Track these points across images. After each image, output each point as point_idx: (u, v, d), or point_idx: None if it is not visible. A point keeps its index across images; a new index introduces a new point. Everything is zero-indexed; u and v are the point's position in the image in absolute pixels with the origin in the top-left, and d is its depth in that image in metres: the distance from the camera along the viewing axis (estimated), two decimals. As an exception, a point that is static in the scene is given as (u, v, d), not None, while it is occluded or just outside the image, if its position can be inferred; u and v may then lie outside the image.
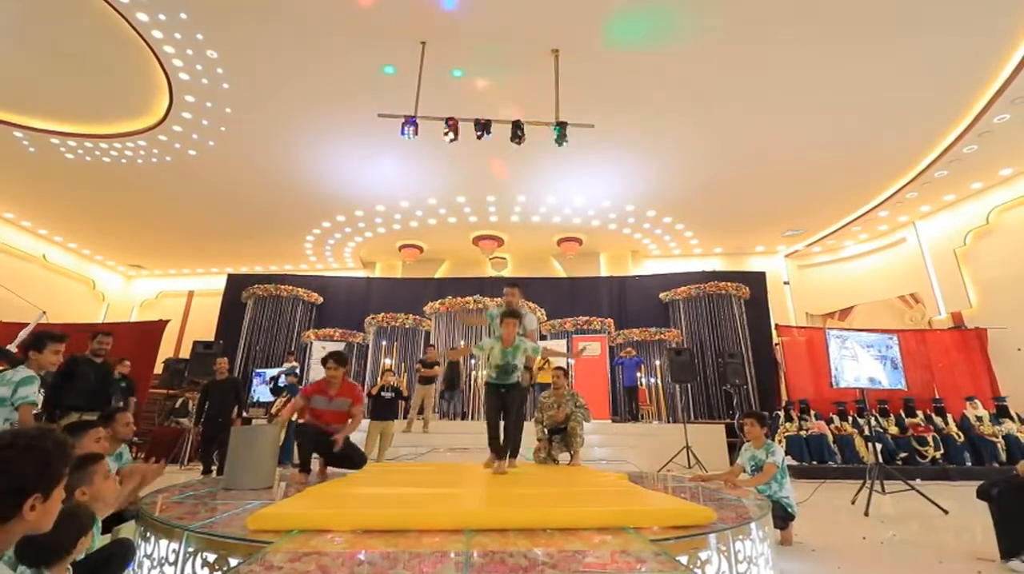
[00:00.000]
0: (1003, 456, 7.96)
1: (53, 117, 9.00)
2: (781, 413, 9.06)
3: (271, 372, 10.52)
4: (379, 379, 7.99)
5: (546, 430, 5.31)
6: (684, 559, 2.03)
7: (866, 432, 7.56)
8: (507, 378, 4.18)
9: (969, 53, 7.09)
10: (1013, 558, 3.07)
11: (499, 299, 12.14)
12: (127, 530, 2.57)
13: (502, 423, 4.20)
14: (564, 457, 5.32)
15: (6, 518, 1.21)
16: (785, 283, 14.42)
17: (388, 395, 7.24)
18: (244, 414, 7.46)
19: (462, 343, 11.78)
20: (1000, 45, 6.95)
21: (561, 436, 5.26)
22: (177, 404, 10.35)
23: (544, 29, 6.77)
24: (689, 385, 11.11)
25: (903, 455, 8.08)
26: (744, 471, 3.98)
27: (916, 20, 6.53)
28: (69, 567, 1.75)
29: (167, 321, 11.80)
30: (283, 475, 4.94)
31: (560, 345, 11.69)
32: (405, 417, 9.10)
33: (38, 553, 1.62)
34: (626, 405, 11.00)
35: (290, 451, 7.81)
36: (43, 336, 3.47)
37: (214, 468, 6.67)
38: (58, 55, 7.47)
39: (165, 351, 12.29)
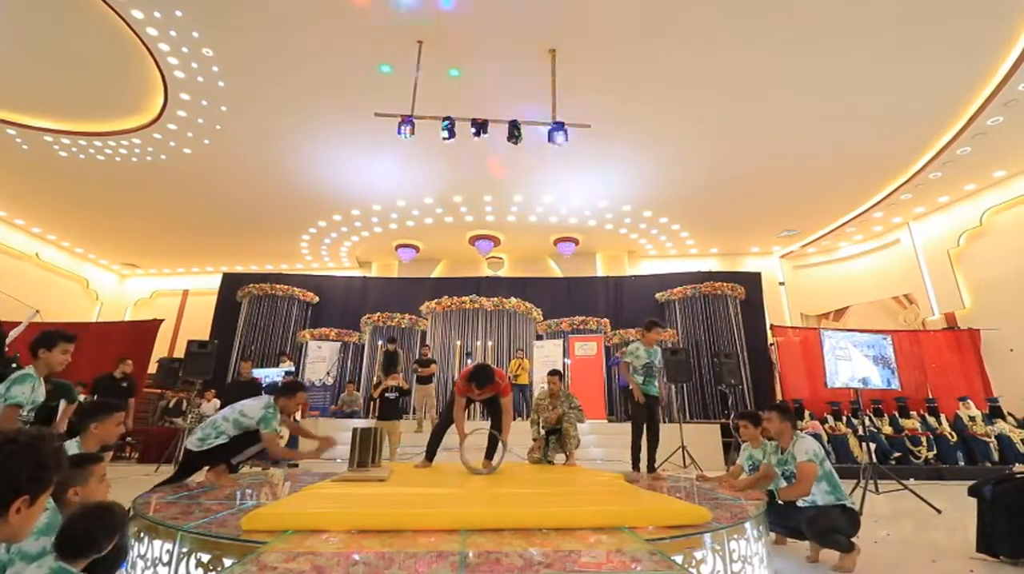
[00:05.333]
0: (995, 456, 8.02)
1: (47, 114, 8.94)
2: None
3: (266, 372, 10.47)
4: (380, 380, 8.11)
5: (542, 430, 5.32)
6: (679, 558, 2.03)
7: (860, 432, 7.59)
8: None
9: (963, 55, 7.14)
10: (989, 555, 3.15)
11: (495, 299, 12.17)
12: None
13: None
14: (560, 458, 5.34)
15: None
16: (780, 284, 14.47)
17: (392, 395, 7.40)
18: None
19: (458, 342, 11.77)
20: (994, 47, 7.00)
21: (556, 437, 5.27)
22: (170, 404, 10.29)
23: (541, 29, 6.77)
24: (685, 385, 11.14)
25: (897, 455, 8.13)
26: (744, 471, 3.99)
27: (911, 22, 6.57)
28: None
29: (161, 320, 11.76)
30: (286, 475, 4.93)
31: (557, 345, 11.70)
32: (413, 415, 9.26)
33: (76, 545, 1.66)
34: (622, 405, 11.01)
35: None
36: (55, 334, 3.32)
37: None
38: (52, 52, 7.42)
39: (160, 350, 12.22)
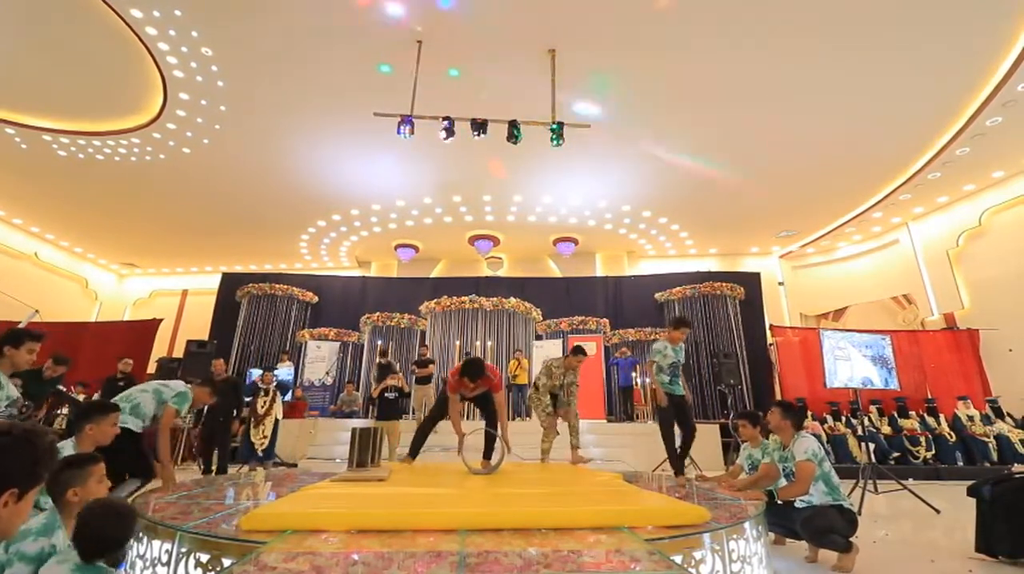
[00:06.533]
0: (994, 456, 8.03)
1: (45, 114, 8.92)
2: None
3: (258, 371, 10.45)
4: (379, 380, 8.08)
5: (549, 395, 5.33)
6: (678, 558, 2.03)
7: (859, 432, 7.60)
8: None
9: (963, 55, 7.15)
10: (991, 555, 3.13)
11: (495, 299, 12.17)
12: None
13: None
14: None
15: None
16: (780, 284, 14.48)
17: (392, 395, 7.37)
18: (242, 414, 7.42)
19: (457, 342, 11.77)
20: (993, 48, 7.00)
21: (556, 401, 5.41)
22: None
23: (541, 29, 6.77)
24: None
25: (896, 455, 8.14)
26: (743, 471, 3.99)
27: (911, 22, 6.58)
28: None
29: (160, 320, 11.76)
30: (270, 474, 4.93)
31: (556, 345, 11.70)
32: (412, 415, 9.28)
33: (96, 545, 1.68)
34: (621, 405, 11.02)
35: (270, 452, 7.65)
36: (22, 333, 3.29)
37: (214, 468, 6.66)
38: (51, 52, 7.41)
39: (159, 350, 12.23)
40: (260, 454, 7.34)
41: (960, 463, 8.01)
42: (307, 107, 8.50)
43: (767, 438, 3.83)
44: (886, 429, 8.52)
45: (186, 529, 2.11)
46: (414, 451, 4.58)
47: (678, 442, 4.83)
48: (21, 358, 3.22)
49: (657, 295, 13.25)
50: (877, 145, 9.23)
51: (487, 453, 4.42)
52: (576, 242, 13.63)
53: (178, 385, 3.98)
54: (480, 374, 4.21)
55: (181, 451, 8.31)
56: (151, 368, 10.71)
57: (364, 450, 3.84)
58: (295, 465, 7.87)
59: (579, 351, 5.47)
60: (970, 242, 11.12)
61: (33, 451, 1.25)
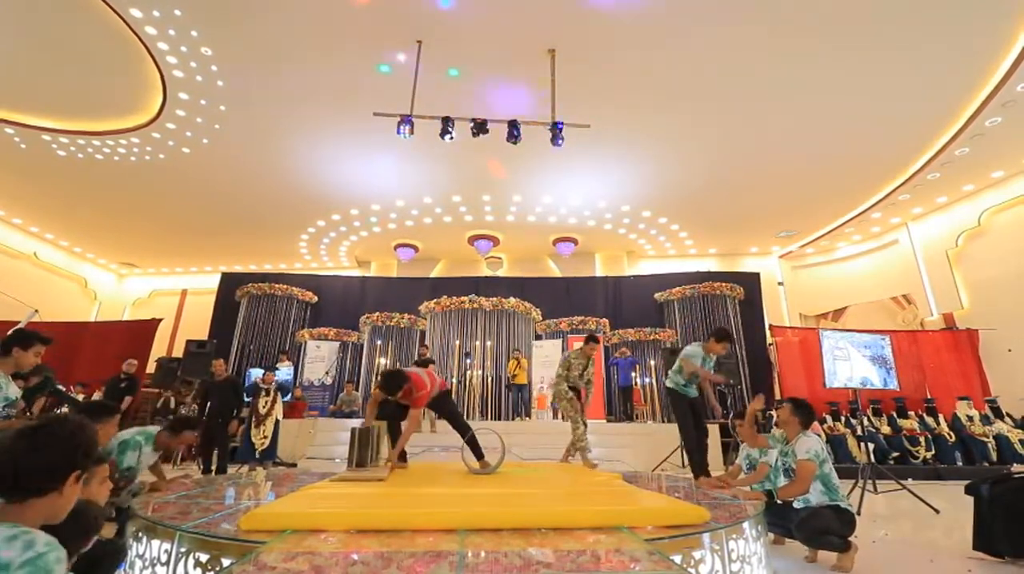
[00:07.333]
0: (993, 456, 8.03)
1: (45, 113, 8.92)
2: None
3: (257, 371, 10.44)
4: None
5: (565, 384, 5.39)
6: (678, 558, 2.03)
7: (859, 432, 7.60)
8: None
9: (963, 55, 7.15)
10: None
11: (494, 299, 12.17)
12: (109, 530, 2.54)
13: None
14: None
15: (49, 490, 1.21)
16: (779, 284, 14.49)
17: None
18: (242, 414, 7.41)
19: (457, 342, 11.76)
20: (993, 48, 7.01)
21: (576, 394, 5.52)
22: (159, 404, 10.19)
23: (540, 29, 6.77)
24: (684, 385, 11.13)
25: (895, 455, 8.14)
26: (742, 471, 3.99)
27: (910, 22, 6.58)
28: None
29: (160, 319, 11.73)
30: (270, 474, 4.92)
31: (555, 345, 11.70)
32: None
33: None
34: (621, 405, 11.02)
35: (271, 452, 7.62)
36: (32, 336, 3.29)
37: (214, 468, 6.66)
38: (50, 51, 7.41)
39: (158, 350, 12.21)
40: (259, 455, 7.29)
41: (959, 463, 8.01)
42: (307, 107, 8.50)
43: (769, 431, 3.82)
44: (885, 429, 8.52)
45: (185, 529, 2.11)
46: (398, 454, 4.49)
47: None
48: (27, 360, 3.24)
49: (657, 295, 13.26)
50: (877, 145, 9.23)
51: (477, 454, 4.39)
52: (576, 242, 13.63)
53: (132, 432, 3.56)
54: (395, 390, 4.07)
55: (181, 451, 8.30)
56: (150, 368, 10.69)
57: (364, 450, 3.83)
58: (295, 465, 7.86)
59: (593, 339, 5.62)
60: (969, 242, 11.13)
61: (90, 440, 1.32)
